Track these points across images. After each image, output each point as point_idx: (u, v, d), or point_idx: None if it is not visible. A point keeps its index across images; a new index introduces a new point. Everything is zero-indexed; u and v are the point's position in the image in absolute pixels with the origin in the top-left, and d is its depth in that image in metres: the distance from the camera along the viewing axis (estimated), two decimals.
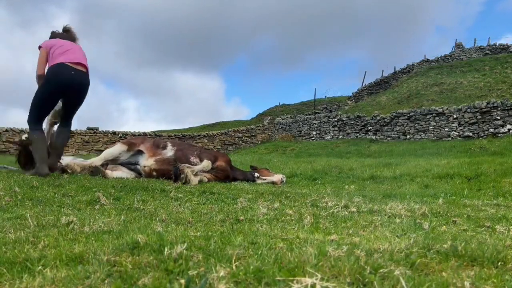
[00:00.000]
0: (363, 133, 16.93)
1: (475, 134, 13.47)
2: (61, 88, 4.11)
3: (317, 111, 24.67)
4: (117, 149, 4.80)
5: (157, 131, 20.60)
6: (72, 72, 4.12)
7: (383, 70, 31.41)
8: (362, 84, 30.66)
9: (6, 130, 14.98)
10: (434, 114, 14.72)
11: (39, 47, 4.17)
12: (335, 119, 18.22)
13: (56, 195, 2.96)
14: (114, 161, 4.83)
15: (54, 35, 4.50)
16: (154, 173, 4.79)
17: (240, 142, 20.67)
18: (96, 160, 4.65)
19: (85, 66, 4.28)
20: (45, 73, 4.13)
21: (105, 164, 4.72)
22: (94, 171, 4.42)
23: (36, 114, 4.14)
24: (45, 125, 4.46)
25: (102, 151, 16.69)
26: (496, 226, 2.14)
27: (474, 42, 29.92)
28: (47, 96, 4.12)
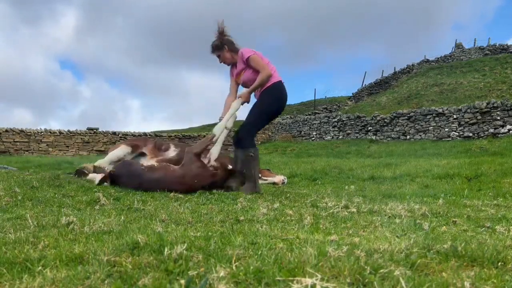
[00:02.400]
0: (363, 133, 16.93)
1: (475, 134, 13.47)
2: (283, 108, 4.00)
3: (317, 111, 24.68)
4: (122, 151, 4.82)
5: (157, 131, 20.60)
6: None
7: (383, 71, 31.44)
8: (362, 84, 30.68)
9: (6, 131, 14.97)
10: (434, 115, 14.72)
11: (249, 56, 3.81)
12: (335, 120, 18.23)
13: (56, 195, 2.96)
14: (117, 163, 4.87)
15: (232, 42, 4.08)
16: None
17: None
18: (102, 162, 4.68)
19: None
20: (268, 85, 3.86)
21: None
22: (98, 172, 4.48)
23: (258, 130, 4.01)
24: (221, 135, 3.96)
25: (102, 151, 16.42)
26: (496, 227, 2.13)
27: (474, 42, 29.95)
28: (275, 114, 4.00)
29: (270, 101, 3.85)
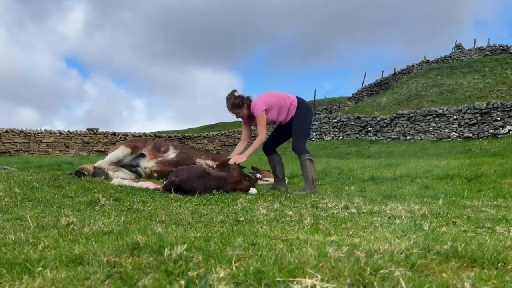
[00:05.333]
0: (363, 134, 16.93)
1: (475, 135, 13.48)
2: (313, 114, 5.09)
3: (317, 112, 24.67)
4: (122, 151, 4.82)
5: (157, 132, 20.60)
6: None
7: (383, 71, 31.46)
8: (362, 85, 30.69)
9: (6, 131, 14.97)
10: (434, 115, 14.73)
11: (258, 116, 4.35)
12: (335, 120, 18.23)
13: (56, 196, 2.96)
14: (116, 163, 4.86)
15: (248, 98, 4.62)
16: (155, 174, 4.81)
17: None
18: (102, 163, 4.68)
19: None
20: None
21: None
22: (97, 172, 4.48)
23: (306, 139, 4.56)
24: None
25: (102, 152, 16.41)
26: (496, 227, 2.13)
27: (474, 43, 29.97)
28: (311, 121, 4.80)
29: (303, 115, 4.45)
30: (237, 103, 4.33)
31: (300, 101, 4.49)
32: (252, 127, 4.68)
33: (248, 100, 4.39)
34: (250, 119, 4.49)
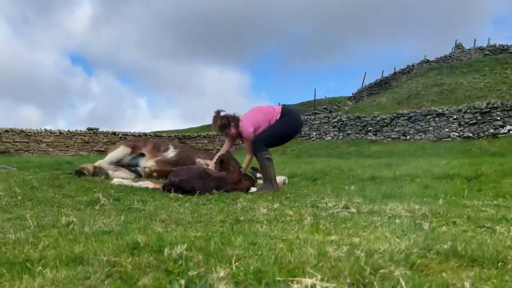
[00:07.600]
0: (363, 133, 16.93)
1: (475, 134, 13.48)
2: (295, 130, 4.70)
3: (317, 111, 24.66)
4: (122, 151, 4.83)
5: (157, 131, 20.60)
6: None
7: (383, 71, 31.45)
8: (362, 84, 30.69)
9: (6, 131, 14.97)
10: (434, 115, 14.73)
11: (246, 137, 4.36)
12: (335, 120, 18.22)
13: (56, 195, 2.96)
14: (116, 163, 4.87)
15: (234, 117, 4.56)
16: (155, 174, 4.82)
17: (240, 143, 20.59)
18: (102, 163, 4.69)
19: None
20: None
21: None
22: (97, 172, 4.49)
23: (268, 141, 4.39)
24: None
25: (102, 151, 16.40)
26: (496, 227, 2.13)
27: (474, 43, 29.96)
28: (286, 135, 4.54)
29: (282, 125, 4.35)
30: (224, 123, 4.34)
31: (285, 114, 4.41)
32: (239, 142, 4.67)
33: (235, 119, 4.37)
34: (239, 135, 4.48)
